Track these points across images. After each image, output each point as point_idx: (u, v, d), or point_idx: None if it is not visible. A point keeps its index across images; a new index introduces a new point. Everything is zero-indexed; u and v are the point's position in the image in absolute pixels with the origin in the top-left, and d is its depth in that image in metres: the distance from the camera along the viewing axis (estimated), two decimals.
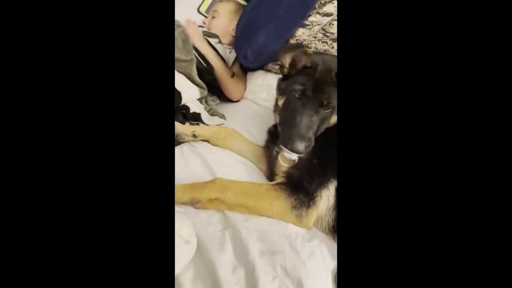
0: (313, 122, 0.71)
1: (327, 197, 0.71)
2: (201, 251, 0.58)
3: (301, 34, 0.95)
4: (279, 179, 0.75)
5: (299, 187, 0.70)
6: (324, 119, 0.73)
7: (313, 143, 0.70)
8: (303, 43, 0.89)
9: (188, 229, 0.55)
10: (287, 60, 0.75)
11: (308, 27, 0.94)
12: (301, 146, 0.67)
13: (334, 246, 0.70)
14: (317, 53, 0.82)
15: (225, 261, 0.57)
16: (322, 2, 0.94)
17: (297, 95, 0.72)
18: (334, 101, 0.71)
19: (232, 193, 0.69)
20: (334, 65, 0.73)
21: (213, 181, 0.72)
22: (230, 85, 1.12)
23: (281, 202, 0.69)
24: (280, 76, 0.81)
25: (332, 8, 0.92)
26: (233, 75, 1.10)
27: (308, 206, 0.69)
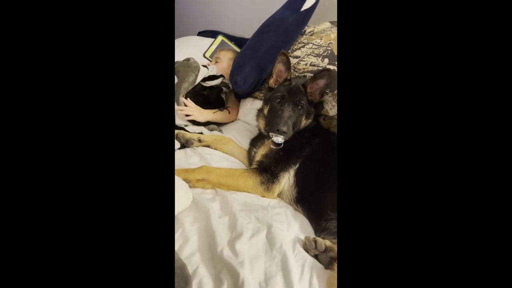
0: (291, 116, 1.02)
1: (288, 178, 0.98)
2: (197, 205, 0.83)
3: None
4: (253, 166, 1.03)
5: (267, 170, 0.98)
6: (298, 117, 1.06)
7: (292, 132, 1.00)
8: None
9: (186, 186, 0.83)
10: (276, 70, 1.13)
11: None
12: (284, 127, 0.97)
13: (295, 213, 0.95)
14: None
15: (214, 211, 0.82)
16: (294, 48, 1.32)
17: (277, 101, 1.06)
18: (303, 103, 1.05)
19: (215, 175, 0.95)
20: (300, 82, 1.11)
21: (200, 167, 0.99)
22: (228, 118, 1.51)
23: (252, 179, 0.96)
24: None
25: (299, 53, 1.30)
26: (228, 111, 1.48)
27: (273, 182, 0.96)
